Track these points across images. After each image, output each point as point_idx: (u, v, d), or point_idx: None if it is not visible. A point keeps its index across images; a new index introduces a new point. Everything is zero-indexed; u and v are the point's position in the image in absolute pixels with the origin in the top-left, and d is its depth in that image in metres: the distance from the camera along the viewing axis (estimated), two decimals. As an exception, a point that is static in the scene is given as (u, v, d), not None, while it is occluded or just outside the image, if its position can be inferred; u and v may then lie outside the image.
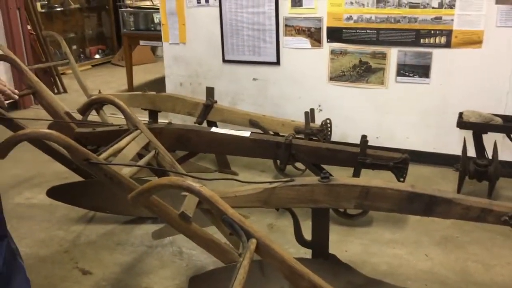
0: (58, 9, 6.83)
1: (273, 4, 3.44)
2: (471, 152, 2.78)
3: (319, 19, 3.35)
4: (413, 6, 3.09)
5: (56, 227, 2.62)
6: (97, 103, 2.19)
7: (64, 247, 2.44)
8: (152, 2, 6.30)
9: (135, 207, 1.80)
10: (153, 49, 7.52)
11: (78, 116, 2.56)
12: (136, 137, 1.97)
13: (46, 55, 5.39)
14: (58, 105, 2.83)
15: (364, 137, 2.44)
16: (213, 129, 2.66)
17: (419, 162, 3.22)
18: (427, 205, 1.81)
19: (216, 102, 3.17)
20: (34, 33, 5.24)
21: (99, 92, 3.59)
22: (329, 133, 2.92)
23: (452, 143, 3.14)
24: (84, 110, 2.16)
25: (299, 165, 2.89)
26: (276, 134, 2.98)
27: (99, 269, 2.25)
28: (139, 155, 1.97)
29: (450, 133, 3.13)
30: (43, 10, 6.30)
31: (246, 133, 2.58)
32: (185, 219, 1.62)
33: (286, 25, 3.47)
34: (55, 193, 2.55)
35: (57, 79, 5.51)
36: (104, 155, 1.66)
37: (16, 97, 1.67)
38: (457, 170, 2.80)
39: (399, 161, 2.38)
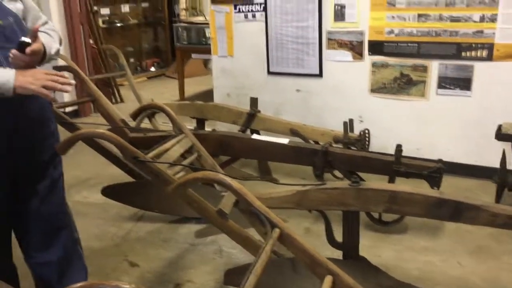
0: (118, 24, 7.28)
1: (317, 18, 3.58)
2: (512, 165, 2.78)
3: (361, 33, 3.46)
4: (454, 20, 3.13)
5: (109, 224, 2.86)
6: (147, 109, 2.40)
7: (115, 242, 2.67)
8: (205, 18, 6.59)
9: (176, 201, 1.98)
10: (205, 62, 7.82)
11: (133, 124, 2.80)
12: (180, 140, 2.16)
13: (105, 67, 5.79)
14: (115, 112, 3.09)
15: (398, 146, 2.52)
16: (253, 136, 2.81)
17: (460, 174, 3.23)
18: (454, 211, 1.87)
19: (259, 111, 3.32)
20: (96, 46, 5.64)
21: (152, 100, 3.84)
22: (367, 143, 3.00)
23: (492, 155, 3.13)
24: (136, 115, 2.38)
25: (338, 173, 2.98)
26: (316, 143, 3.09)
27: (145, 263, 2.45)
28: (183, 157, 2.15)
29: (491, 146, 3.12)
30: (104, 26, 6.74)
31: (285, 140, 2.71)
32: (222, 215, 1.77)
33: (328, 39, 3.60)
34: (109, 192, 2.78)
35: (115, 90, 5.89)
36: (150, 154, 1.85)
37: (69, 89, 1.56)
38: (495, 182, 2.80)
39: (433, 170, 2.43)
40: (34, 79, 1.51)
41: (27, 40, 1.53)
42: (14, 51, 1.52)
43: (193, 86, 6.60)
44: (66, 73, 1.92)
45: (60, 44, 1.83)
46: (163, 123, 3.52)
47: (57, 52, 1.79)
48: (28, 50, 1.51)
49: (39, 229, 1.78)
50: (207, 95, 5.91)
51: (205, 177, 1.44)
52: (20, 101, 1.60)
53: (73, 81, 1.57)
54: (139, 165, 1.78)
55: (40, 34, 1.64)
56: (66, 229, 1.85)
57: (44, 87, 1.50)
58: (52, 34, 1.79)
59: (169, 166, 1.87)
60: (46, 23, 1.83)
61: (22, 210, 1.76)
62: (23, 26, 1.68)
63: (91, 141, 2.78)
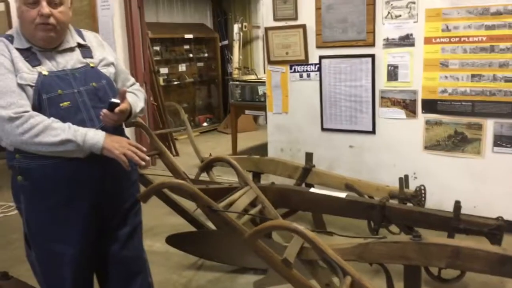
0: (175, 82, 7.73)
1: (370, 78, 3.73)
2: None
3: (414, 92, 3.57)
4: (508, 80, 3.20)
5: (171, 271, 2.98)
6: (216, 162, 2.57)
7: (177, 289, 2.78)
8: (257, 76, 6.90)
9: (236, 251, 2.08)
10: (255, 118, 8.09)
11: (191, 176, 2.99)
12: (246, 192, 2.29)
13: (163, 122, 6.12)
14: (177, 165, 3.29)
15: (457, 202, 2.54)
16: (312, 189, 2.91)
17: (520, 233, 3.16)
18: (519, 268, 1.87)
19: (314, 166, 3.43)
20: (156, 103, 6.01)
21: (210, 155, 4.04)
22: (423, 199, 3.02)
23: (554, 214, 3.07)
24: (205, 167, 2.55)
25: (393, 229, 3.00)
26: (371, 198, 3.15)
27: (206, 310, 2.54)
28: (249, 208, 2.28)
29: (552, 205, 3.08)
30: (163, 84, 7.18)
31: (342, 195, 2.80)
32: (286, 264, 1.85)
33: (382, 97, 3.72)
34: (173, 240, 2.93)
35: (171, 144, 6.18)
36: (222, 204, 1.99)
37: (143, 163, 1.72)
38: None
39: (494, 227, 2.43)
40: (119, 145, 1.70)
41: (116, 101, 1.74)
42: (104, 110, 1.72)
43: (244, 141, 6.81)
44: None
45: (145, 103, 2.04)
46: (217, 176, 3.70)
47: (142, 111, 2.00)
48: (116, 109, 1.72)
49: (119, 273, 1.93)
50: (258, 149, 6.10)
51: (281, 225, 1.54)
52: (109, 157, 1.79)
53: (148, 158, 1.75)
54: (212, 214, 1.91)
55: (127, 94, 1.85)
56: (143, 273, 1.98)
57: (124, 154, 1.69)
58: (138, 94, 2.01)
59: (237, 216, 2.00)
60: (133, 84, 2.06)
61: (104, 254, 1.91)
62: (114, 87, 1.90)
63: (159, 191, 2.96)
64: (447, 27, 3.36)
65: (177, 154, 6.18)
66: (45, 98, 1.69)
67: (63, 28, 1.78)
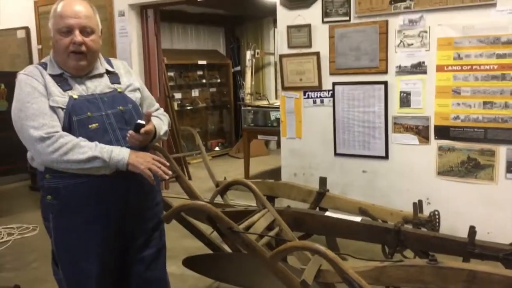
0: (188, 107, 7.86)
1: (383, 104, 3.80)
2: None
3: (427, 118, 3.63)
4: (520, 107, 3.26)
5: (186, 294, 3.00)
6: (233, 185, 2.63)
7: (193, 311, 2.80)
8: (269, 101, 7.00)
9: (251, 273, 2.11)
10: (266, 143, 8.17)
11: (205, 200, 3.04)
12: (264, 214, 2.34)
13: (177, 146, 6.21)
14: (194, 188, 3.35)
15: (472, 228, 2.57)
16: (327, 213, 2.95)
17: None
18: (535, 293, 1.90)
19: (328, 190, 3.47)
20: (170, 128, 6.11)
21: (224, 178, 4.10)
22: (437, 224, 3.05)
23: None
24: (224, 190, 2.61)
25: (407, 254, 3.02)
26: (384, 222, 3.18)
27: (222, 333, 2.55)
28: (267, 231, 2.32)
29: None
30: (177, 109, 7.31)
31: (357, 219, 2.83)
32: (305, 286, 1.89)
33: (394, 123, 3.79)
34: (189, 262, 2.96)
35: (184, 168, 6.25)
36: (241, 226, 2.04)
37: (166, 177, 1.78)
38: None
39: (509, 253, 2.45)
40: (143, 161, 1.78)
41: (142, 122, 1.83)
42: (131, 131, 1.81)
43: (256, 165, 6.87)
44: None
45: (168, 126, 2.13)
46: (230, 200, 3.74)
47: (165, 134, 2.08)
48: (142, 130, 1.81)
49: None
50: (270, 174, 6.16)
51: (302, 246, 1.59)
52: (133, 173, 1.87)
53: (170, 172, 1.82)
54: (231, 236, 1.96)
55: (152, 118, 1.94)
56: None
57: (149, 169, 1.77)
58: (162, 118, 2.10)
59: (257, 237, 2.05)
60: (158, 109, 2.15)
61: (128, 274, 1.96)
62: (140, 111, 2.00)
63: (193, 210, 3.01)
64: (459, 55, 3.44)
65: (190, 178, 6.25)
66: (75, 120, 1.79)
67: (94, 56, 1.89)
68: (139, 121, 1.84)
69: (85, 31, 1.83)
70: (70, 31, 1.80)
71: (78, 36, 1.80)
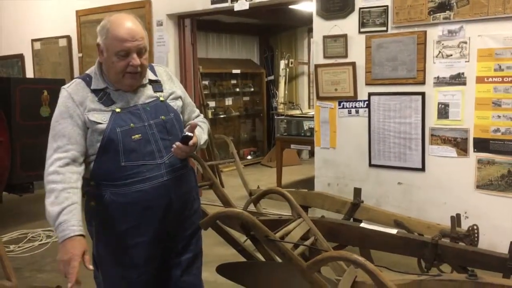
0: (222, 116, 7.94)
1: (420, 115, 3.75)
2: None
3: (466, 130, 3.56)
4: None
5: (219, 301, 3.02)
6: (269, 194, 2.64)
7: (225, 320, 2.81)
8: (302, 111, 7.00)
9: (305, 279, 2.11)
10: (299, 153, 8.16)
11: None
12: (299, 224, 2.34)
13: (210, 154, 6.28)
14: (228, 196, 3.38)
15: (513, 244, 2.50)
16: (362, 224, 2.92)
17: None
18: None
19: (363, 201, 3.44)
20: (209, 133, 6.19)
21: (258, 187, 4.12)
22: (476, 239, 2.97)
23: None
24: (259, 199, 2.62)
25: (444, 268, 2.96)
26: (421, 235, 3.12)
27: None
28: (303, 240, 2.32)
29: None
30: (210, 117, 7.40)
31: (393, 231, 2.79)
32: (340, 297, 1.88)
33: (432, 135, 3.73)
34: (223, 269, 2.97)
35: (218, 176, 6.31)
36: (278, 234, 2.04)
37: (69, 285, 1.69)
38: None
39: (553, 271, 2.37)
40: (63, 264, 1.68)
41: (191, 134, 1.84)
42: (178, 143, 1.83)
43: (288, 175, 6.86)
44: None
45: (208, 134, 2.15)
46: (263, 209, 3.75)
47: (205, 143, 2.10)
48: (190, 142, 1.83)
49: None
50: (302, 183, 6.13)
51: (340, 256, 1.59)
52: (174, 184, 1.90)
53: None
54: (268, 244, 1.97)
55: None
56: None
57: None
58: (203, 126, 2.12)
59: (292, 247, 2.05)
60: (198, 115, 2.18)
61: (165, 279, 1.99)
62: (180, 120, 2.02)
63: (230, 217, 3.03)
64: (500, 67, 3.37)
65: (223, 186, 6.29)
66: (118, 131, 1.81)
67: (146, 72, 1.93)
68: (187, 133, 1.84)
69: (141, 52, 1.84)
70: (128, 54, 1.80)
71: (136, 59, 1.81)
